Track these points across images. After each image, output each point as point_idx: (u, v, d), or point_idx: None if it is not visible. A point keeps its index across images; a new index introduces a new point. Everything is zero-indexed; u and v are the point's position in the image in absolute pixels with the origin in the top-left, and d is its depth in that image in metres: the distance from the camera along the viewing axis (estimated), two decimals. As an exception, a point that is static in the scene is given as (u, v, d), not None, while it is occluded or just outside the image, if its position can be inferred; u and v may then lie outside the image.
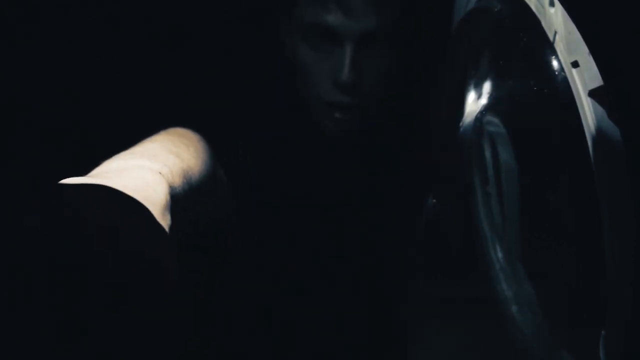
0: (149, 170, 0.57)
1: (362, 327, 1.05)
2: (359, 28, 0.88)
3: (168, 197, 0.56)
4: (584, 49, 0.55)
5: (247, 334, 1.05)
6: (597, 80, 0.54)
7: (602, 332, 0.54)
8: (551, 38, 0.60)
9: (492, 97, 0.73)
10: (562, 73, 0.59)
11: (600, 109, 0.54)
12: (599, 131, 0.54)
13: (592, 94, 0.55)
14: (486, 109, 0.74)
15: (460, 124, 0.77)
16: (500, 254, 0.73)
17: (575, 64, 0.57)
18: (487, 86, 0.74)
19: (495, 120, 0.73)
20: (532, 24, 0.64)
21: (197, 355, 1.03)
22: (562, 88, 0.59)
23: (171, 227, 0.53)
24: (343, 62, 0.89)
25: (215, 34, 1.03)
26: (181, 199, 0.60)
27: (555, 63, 0.60)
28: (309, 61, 0.92)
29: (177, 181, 0.61)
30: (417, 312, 0.89)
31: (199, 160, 0.71)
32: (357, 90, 0.91)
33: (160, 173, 0.58)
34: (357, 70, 0.89)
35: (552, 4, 0.60)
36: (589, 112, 0.55)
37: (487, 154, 0.76)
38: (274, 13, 0.97)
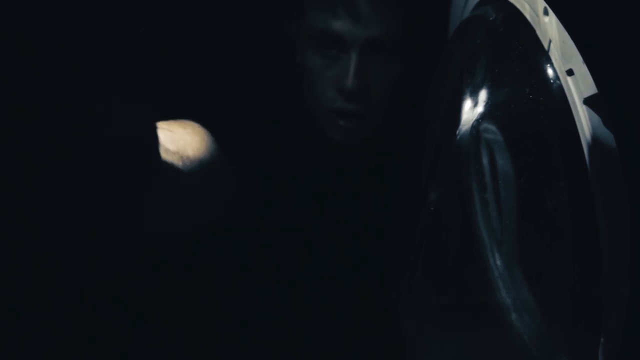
0: None
1: (361, 332, 1.06)
2: (366, 35, 0.88)
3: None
4: (579, 57, 0.55)
5: (243, 334, 1.06)
6: (592, 88, 0.54)
7: (602, 338, 0.54)
8: (546, 46, 0.61)
9: (488, 104, 0.74)
10: (557, 81, 0.59)
11: (595, 116, 0.55)
12: (595, 138, 0.55)
13: (587, 101, 0.55)
14: (482, 117, 0.75)
15: (457, 131, 0.78)
16: (499, 261, 0.73)
17: (570, 72, 0.57)
18: (483, 94, 0.74)
19: (492, 127, 0.74)
20: (527, 32, 0.64)
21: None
22: (557, 96, 0.59)
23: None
24: (348, 68, 0.89)
25: (225, 40, 1.03)
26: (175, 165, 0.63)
27: (550, 71, 0.60)
28: (315, 68, 0.92)
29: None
30: (416, 318, 0.90)
31: (198, 142, 0.72)
32: (362, 97, 0.91)
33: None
34: (363, 78, 0.89)
35: (546, 12, 0.61)
36: (584, 119, 0.56)
37: (485, 161, 0.76)
38: (282, 19, 0.96)
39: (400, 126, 1.02)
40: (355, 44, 0.89)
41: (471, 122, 0.75)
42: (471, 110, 0.75)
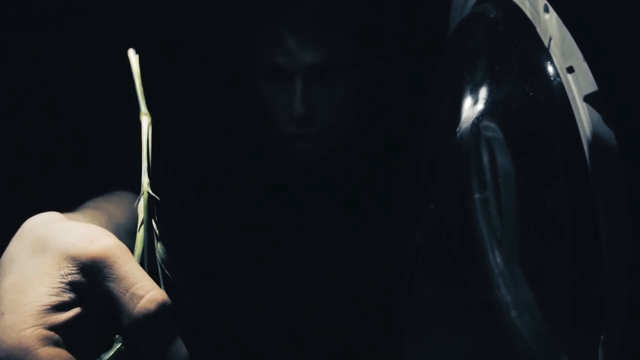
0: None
1: (360, 333, 1.06)
2: (305, 64, 0.93)
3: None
4: (579, 54, 0.55)
5: (241, 334, 1.06)
6: (592, 86, 0.54)
7: (601, 337, 0.54)
8: (546, 44, 0.61)
9: (489, 102, 0.73)
10: (558, 78, 0.59)
11: (595, 113, 0.55)
12: (595, 136, 0.55)
13: (588, 99, 0.55)
14: (483, 115, 0.74)
15: (457, 129, 0.78)
16: (499, 259, 0.73)
17: (570, 70, 0.57)
18: (483, 92, 0.74)
19: (492, 125, 0.74)
20: (527, 29, 0.64)
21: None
22: (557, 93, 0.59)
23: None
24: (294, 96, 0.94)
25: (204, 53, 1.08)
26: None
27: (550, 68, 0.60)
28: (268, 95, 0.98)
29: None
30: (416, 318, 0.89)
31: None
32: (312, 121, 0.96)
33: None
34: (310, 103, 0.94)
35: (546, 9, 0.60)
36: (584, 117, 0.56)
37: (485, 159, 0.76)
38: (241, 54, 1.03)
39: (375, 131, 1.07)
40: (296, 73, 0.94)
41: (471, 120, 0.75)
42: (471, 108, 0.75)
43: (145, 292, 0.44)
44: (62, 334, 0.44)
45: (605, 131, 0.54)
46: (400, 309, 0.93)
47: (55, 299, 0.44)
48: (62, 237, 0.47)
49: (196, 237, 1.01)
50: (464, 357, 0.80)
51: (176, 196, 1.02)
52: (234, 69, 1.06)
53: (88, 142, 1.08)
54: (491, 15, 0.72)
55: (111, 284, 0.45)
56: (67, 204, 0.67)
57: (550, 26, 0.60)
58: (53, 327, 0.44)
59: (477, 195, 0.76)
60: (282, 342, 1.07)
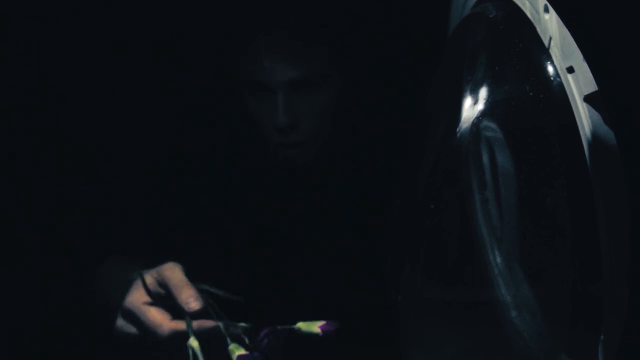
0: None
1: (358, 333, 1.06)
2: (284, 80, 0.97)
3: None
4: (579, 54, 0.55)
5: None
6: (592, 86, 0.54)
7: (601, 337, 0.54)
8: (546, 44, 0.61)
9: (489, 102, 0.73)
10: (558, 78, 0.59)
11: (595, 113, 0.55)
12: (595, 136, 0.55)
13: (588, 99, 0.55)
14: (483, 114, 0.74)
15: (457, 129, 0.78)
16: (499, 259, 0.73)
17: (570, 70, 0.57)
18: (483, 91, 0.74)
19: (492, 125, 0.74)
20: (527, 29, 0.64)
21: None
22: (557, 93, 0.59)
23: None
24: (277, 108, 0.98)
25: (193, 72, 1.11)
26: None
27: (550, 68, 0.60)
28: (253, 107, 1.02)
29: None
30: (416, 317, 0.89)
31: None
32: (295, 130, 1.00)
33: None
34: (292, 113, 0.98)
35: (546, 9, 0.60)
36: (584, 117, 0.56)
37: (485, 158, 0.76)
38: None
39: (365, 131, 1.10)
40: (277, 86, 0.98)
41: (471, 120, 0.75)
42: (471, 108, 0.75)
43: (189, 293, 0.79)
44: None
45: (605, 131, 0.54)
46: (400, 309, 0.93)
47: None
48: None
49: (191, 234, 1.03)
50: (464, 357, 0.80)
51: (171, 194, 1.04)
52: (225, 78, 1.09)
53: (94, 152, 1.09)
54: (491, 15, 0.72)
55: (171, 287, 0.79)
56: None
57: (550, 26, 0.60)
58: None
59: (477, 196, 0.76)
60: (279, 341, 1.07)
